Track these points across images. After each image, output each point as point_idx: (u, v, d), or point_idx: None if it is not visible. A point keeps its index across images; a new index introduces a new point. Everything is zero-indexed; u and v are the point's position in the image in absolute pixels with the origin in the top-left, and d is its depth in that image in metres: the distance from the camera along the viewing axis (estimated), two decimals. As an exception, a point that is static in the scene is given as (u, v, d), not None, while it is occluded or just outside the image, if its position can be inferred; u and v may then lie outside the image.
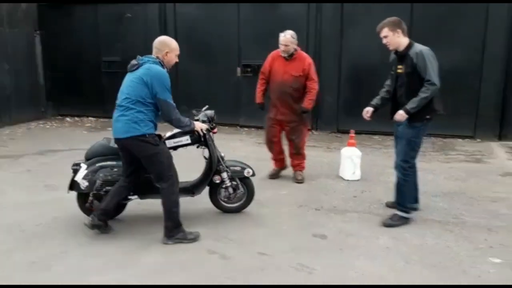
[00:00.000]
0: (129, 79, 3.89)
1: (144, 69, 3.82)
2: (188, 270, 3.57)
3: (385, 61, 8.05)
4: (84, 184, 4.18)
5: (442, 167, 6.41)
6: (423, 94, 4.12)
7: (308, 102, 5.51)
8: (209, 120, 4.42)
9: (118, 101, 3.94)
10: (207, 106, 4.58)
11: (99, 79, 10.06)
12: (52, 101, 10.50)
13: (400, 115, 4.22)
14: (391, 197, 5.16)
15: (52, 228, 4.35)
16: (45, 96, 10.42)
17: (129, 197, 4.32)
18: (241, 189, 4.61)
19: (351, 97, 8.53)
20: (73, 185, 4.24)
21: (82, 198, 4.33)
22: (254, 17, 8.78)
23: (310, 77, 5.53)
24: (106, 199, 4.09)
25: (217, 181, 4.51)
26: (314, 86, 5.55)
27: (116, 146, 4.08)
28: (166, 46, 4.01)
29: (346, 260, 3.74)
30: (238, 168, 4.57)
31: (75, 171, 4.25)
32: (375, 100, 4.64)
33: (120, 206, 4.40)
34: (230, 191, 4.58)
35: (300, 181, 5.69)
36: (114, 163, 4.22)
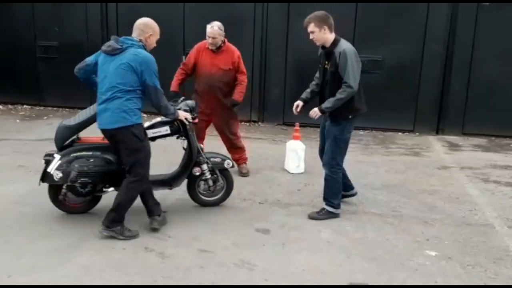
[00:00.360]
0: (113, 65, 3.67)
1: (131, 54, 3.65)
2: (123, 269, 3.40)
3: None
4: (57, 175, 3.91)
5: (382, 160, 6.55)
6: (339, 95, 4.13)
7: (238, 95, 5.40)
8: (190, 110, 4.25)
9: (101, 89, 3.74)
10: (183, 97, 4.43)
11: (34, 64, 9.46)
12: (-18, 87, 9.78)
13: (314, 112, 4.26)
14: (333, 190, 5.22)
15: (-25, 226, 4.02)
16: (-26, 82, 9.68)
17: (104, 189, 4.11)
18: (221, 182, 4.50)
19: (297, 90, 8.41)
20: (45, 177, 3.97)
21: (54, 190, 4.10)
22: (199, 10, 8.54)
23: (240, 70, 5.44)
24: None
25: (197, 173, 4.37)
26: (243, 79, 5.46)
27: (76, 123, 3.95)
28: (150, 28, 3.85)
29: (288, 255, 3.71)
30: (218, 160, 4.46)
31: (47, 162, 3.98)
32: (305, 94, 4.60)
33: (95, 198, 4.21)
34: (210, 184, 4.45)
35: (245, 174, 5.62)
36: (90, 153, 3.99)
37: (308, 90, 4.60)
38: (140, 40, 3.79)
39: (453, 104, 8.05)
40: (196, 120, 4.31)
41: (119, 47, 3.68)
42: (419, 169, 6.16)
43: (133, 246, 3.76)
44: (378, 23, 8.05)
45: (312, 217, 4.44)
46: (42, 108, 9.52)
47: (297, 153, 5.81)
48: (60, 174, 3.92)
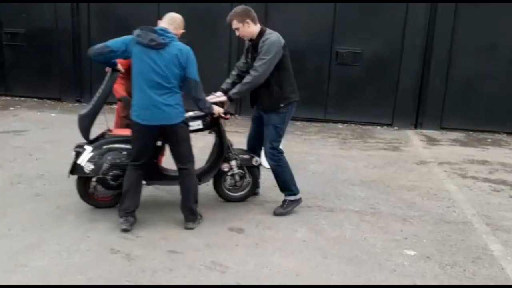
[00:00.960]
0: (161, 60, 3.56)
1: (177, 49, 3.60)
2: (85, 273, 3.17)
3: (307, 47, 8.13)
4: (89, 167, 3.82)
5: (361, 155, 6.43)
6: (244, 80, 4.06)
7: None
8: (222, 106, 4.11)
9: (149, 83, 3.56)
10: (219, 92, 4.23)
11: (0, 52, 9.03)
12: None
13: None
14: (310, 186, 5.08)
15: None
16: None
17: None
18: (248, 178, 4.39)
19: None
20: (76, 169, 3.85)
21: (83, 183, 4.00)
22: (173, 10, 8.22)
23: None
24: (127, 200, 3.79)
25: (226, 169, 4.29)
26: None
27: (89, 108, 3.88)
28: (182, 27, 3.85)
29: (262, 257, 3.53)
30: (246, 156, 4.38)
31: (78, 154, 3.83)
32: (225, 84, 4.39)
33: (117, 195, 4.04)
34: (236, 179, 4.34)
35: None
36: (122, 146, 3.93)
37: (229, 80, 4.41)
38: (175, 34, 3.72)
39: (432, 98, 8.00)
40: (228, 116, 4.17)
41: (164, 42, 3.56)
42: (398, 164, 6.07)
43: (98, 247, 3.53)
44: (358, 15, 7.93)
45: (278, 213, 4.32)
46: (9, 98, 9.11)
47: (274, 148, 5.61)
48: (92, 166, 3.84)
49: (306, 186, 5.04)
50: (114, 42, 3.68)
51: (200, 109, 3.91)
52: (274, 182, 5.08)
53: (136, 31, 3.63)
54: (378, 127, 8.16)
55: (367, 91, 8.14)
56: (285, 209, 4.33)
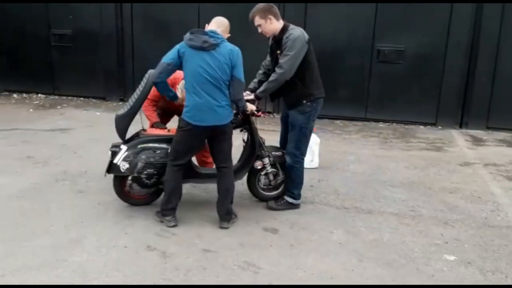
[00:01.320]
0: (213, 61, 3.62)
1: (228, 49, 3.67)
2: (122, 269, 3.24)
3: (348, 45, 7.99)
4: (124, 166, 3.91)
5: (402, 155, 6.26)
6: (270, 78, 4.04)
7: None
8: (253, 103, 4.15)
9: (201, 84, 3.64)
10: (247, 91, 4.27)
11: (48, 53, 9.39)
12: (-3, 76, 9.77)
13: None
14: (348, 186, 5.00)
15: (-27, 221, 3.91)
16: (-11, 71, 9.67)
17: None
18: (281, 176, 4.40)
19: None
20: (112, 168, 3.96)
21: (119, 182, 4.10)
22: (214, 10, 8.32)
23: None
24: (173, 200, 3.89)
25: (258, 167, 4.28)
26: None
27: (128, 109, 3.97)
28: (229, 31, 3.90)
29: (296, 258, 3.49)
30: (279, 153, 4.38)
31: (114, 153, 3.95)
32: (252, 84, 4.37)
33: (158, 190, 4.17)
34: (270, 178, 4.35)
35: None
36: (156, 145, 4.00)
37: (256, 80, 4.40)
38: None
39: (478, 96, 7.69)
40: (260, 113, 4.18)
41: (216, 42, 3.63)
42: (440, 165, 5.86)
43: (135, 244, 3.60)
44: (400, 12, 7.71)
45: (270, 207, 4.33)
46: (56, 97, 9.46)
47: (311, 147, 5.55)
48: (127, 165, 3.92)
49: (344, 187, 4.98)
50: (168, 56, 3.76)
51: (238, 108, 3.91)
52: (310, 182, 5.09)
53: (187, 36, 3.69)
54: (421, 127, 7.93)
55: (410, 89, 7.92)
56: (278, 206, 4.33)
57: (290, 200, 4.34)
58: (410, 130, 7.71)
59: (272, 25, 4.03)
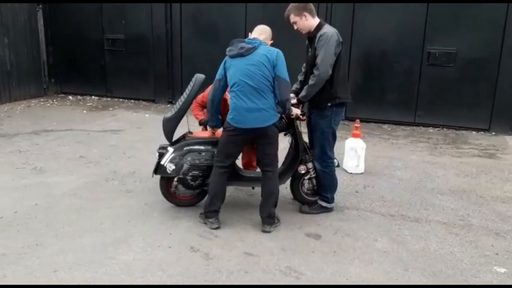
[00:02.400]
0: (252, 64, 3.67)
1: (265, 50, 3.73)
2: (166, 269, 3.31)
3: (397, 47, 7.80)
4: (170, 168, 4.04)
5: (453, 162, 6.04)
6: (310, 81, 3.97)
7: None
8: (297, 107, 4.19)
9: (242, 89, 3.70)
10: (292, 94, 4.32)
11: (102, 57, 9.76)
12: (55, 78, 10.23)
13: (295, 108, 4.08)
14: (395, 193, 4.88)
15: (31, 217, 4.11)
16: (47, 73, 10.14)
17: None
18: None
19: (361, 83, 8.14)
20: (159, 169, 4.10)
21: (165, 183, 4.23)
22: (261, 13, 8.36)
23: None
24: (216, 202, 3.92)
25: (302, 171, 4.30)
26: None
27: (175, 112, 4.05)
28: (271, 38, 3.98)
29: (339, 265, 3.45)
30: None
31: (161, 155, 4.09)
32: (294, 85, 4.31)
33: (202, 192, 4.24)
34: (314, 183, 4.37)
35: None
36: (202, 147, 4.11)
37: (297, 81, 4.36)
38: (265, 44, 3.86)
39: (535, 102, 7.29)
40: (305, 118, 4.19)
41: (253, 46, 3.70)
42: (493, 173, 5.62)
43: (179, 245, 3.67)
44: (452, 13, 7.44)
45: (304, 211, 4.31)
46: (109, 99, 9.82)
47: (357, 152, 5.48)
48: (173, 167, 4.03)
49: (390, 194, 4.87)
50: (218, 73, 3.88)
51: (284, 110, 3.89)
52: (357, 187, 5.02)
53: (228, 48, 3.79)
54: (473, 132, 7.62)
55: (461, 93, 7.63)
56: (311, 210, 4.30)
57: (323, 204, 4.31)
58: (462, 136, 7.43)
59: (307, 21, 4.02)
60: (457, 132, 7.65)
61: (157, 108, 9.11)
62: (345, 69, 4.17)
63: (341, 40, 4.01)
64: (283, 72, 3.72)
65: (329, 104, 4.04)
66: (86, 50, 9.83)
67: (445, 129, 7.77)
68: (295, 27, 4.09)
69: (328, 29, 3.99)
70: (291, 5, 4.06)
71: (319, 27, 4.03)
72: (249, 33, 3.97)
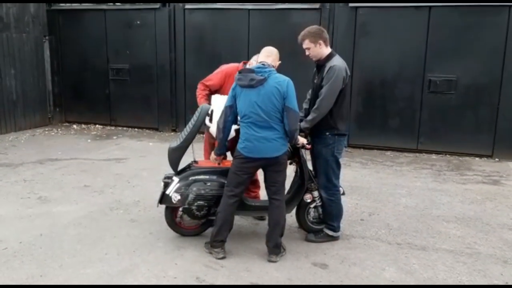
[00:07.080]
0: (263, 96, 3.69)
1: (276, 81, 3.73)
2: (172, 301, 3.29)
3: (398, 75, 7.89)
4: (176, 197, 4.04)
5: (457, 189, 6.03)
6: (312, 113, 4.04)
7: None
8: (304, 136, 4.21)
9: (253, 119, 3.74)
10: None
11: (106, 86, 9.88)
12: (59, 108, 10.33)
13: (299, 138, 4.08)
14: (401, 221, 4.85)
15: (36, 247, 4.09)
16: (52, 102, 10.26)
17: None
18: None
19: (363, 111, 8.20)
20: (164, 199, 4.09)
21: (170, 213, 4.23)
22: (264, 24, 8.53)
23: None
24: (224, 232, 3.91)
25: (308, 200, 4.30)
26: None
27: (181, 142, 4.05)
28: (279, 58, 3.99)
29: (346, 295, 3.42)
30: None
31: (166, 184, 4.09)
32: (300, 113, 4.29)
33: (208, 221, 4.22)
34: (319, 211, 4.36)
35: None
36: (207, 177, 4.10)
37: (302, 109, 4.37)
38: (273, 66, 3.88)
39: (538, 127, 7.32)
40: (310, 146, 4.18)
41: (263, 77, 3.71)
42: (498, 200, 5.60)
43: (185, 275, 3.64)
44: (452, 39, 7.55)
45: (309, 239, 4.28)
46: (113, 128, 9.88)
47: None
48: (179, 197, 4.03)
49: (396, 222, 4.84)
50: (228, 101, 3.92)
51: (290, 140, 3.90)
52: (361, 215, 4.99)
53: (237, 76, 3.82)
54: (477, 159, 7.63)
55: (463, 120, 7.68)
56: (317, 238, 4.28)
57: (330, 232, 4.29)
58: (465, 162, 7.43)
59: (320, 50, 4.06)
60: (460, 158, 7.66)
61: (161, 136, 9.16)
62: (347, 103, 4.19)
63: (348, 74, 4.05)
64: (293, 103, 3.72)
65: (327, 133, 4.07)
66: (91, 80, 9.96)
67: (448, 156, 7.78)
68: (307, 53, 4.12)
69: (338, 61, 4.02)
70: (307, 30, 4.07)
71: (329, 57, 4.07)
72: (254, 56, 3.98)
